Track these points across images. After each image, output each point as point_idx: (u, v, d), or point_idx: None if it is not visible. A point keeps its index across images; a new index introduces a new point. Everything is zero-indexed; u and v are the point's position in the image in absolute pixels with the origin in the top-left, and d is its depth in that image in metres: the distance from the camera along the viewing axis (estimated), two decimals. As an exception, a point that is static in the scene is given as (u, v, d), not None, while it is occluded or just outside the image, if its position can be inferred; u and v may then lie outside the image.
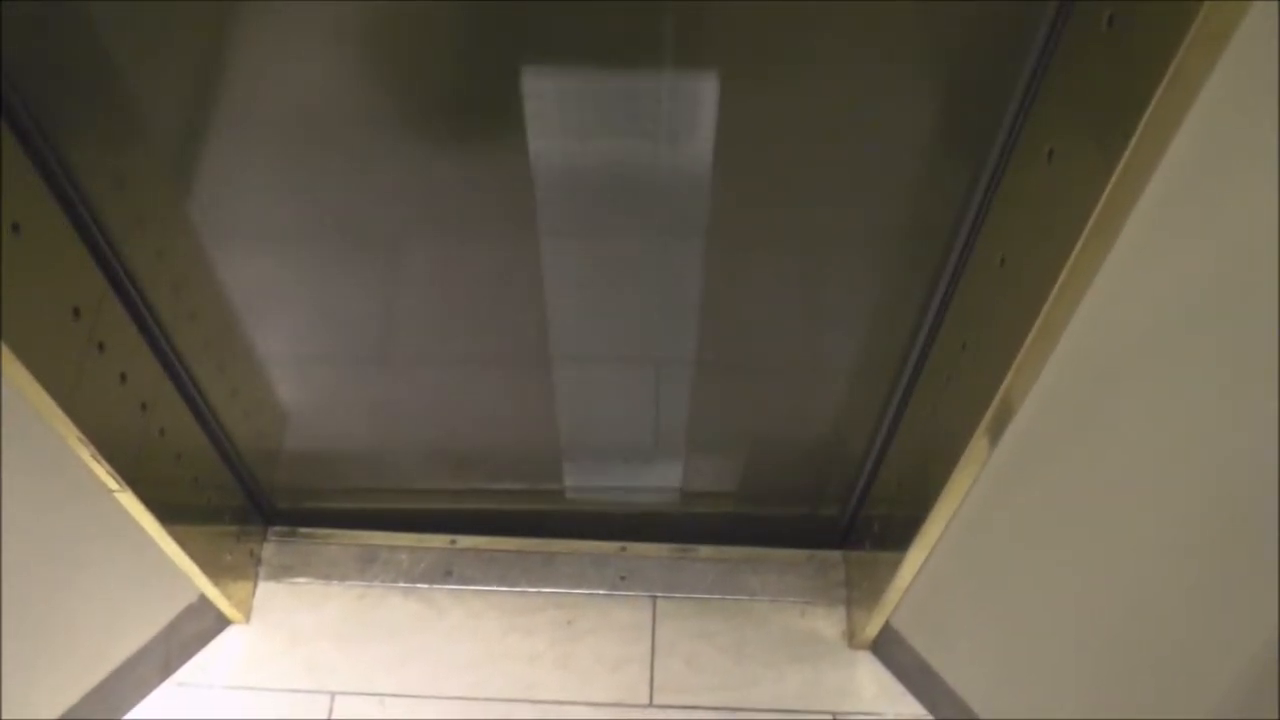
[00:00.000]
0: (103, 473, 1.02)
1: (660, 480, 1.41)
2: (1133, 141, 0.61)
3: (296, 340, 1.16)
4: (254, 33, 0.79)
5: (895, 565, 1.16)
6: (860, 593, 1.40)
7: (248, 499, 1.44)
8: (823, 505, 1.43)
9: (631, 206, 0.95)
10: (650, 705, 1.38)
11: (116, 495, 1.07)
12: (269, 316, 1.12)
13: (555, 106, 0.84)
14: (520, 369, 1.19)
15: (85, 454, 0.99)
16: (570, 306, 1.08)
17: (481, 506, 1.50)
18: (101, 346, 0.99)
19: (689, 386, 1.21)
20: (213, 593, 1.33)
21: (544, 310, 1.08)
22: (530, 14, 0.76)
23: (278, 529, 1.52)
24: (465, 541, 1.51)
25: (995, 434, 0.90)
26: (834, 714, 1.38)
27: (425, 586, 1.48)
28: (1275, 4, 0.55)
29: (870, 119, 0.84)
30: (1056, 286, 0.72)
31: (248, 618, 1.44)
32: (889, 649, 1.40)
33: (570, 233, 0.99)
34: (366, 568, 1.49)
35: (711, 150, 0.88)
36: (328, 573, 1.48)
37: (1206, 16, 0.55)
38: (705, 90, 0.82)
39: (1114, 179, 0.64)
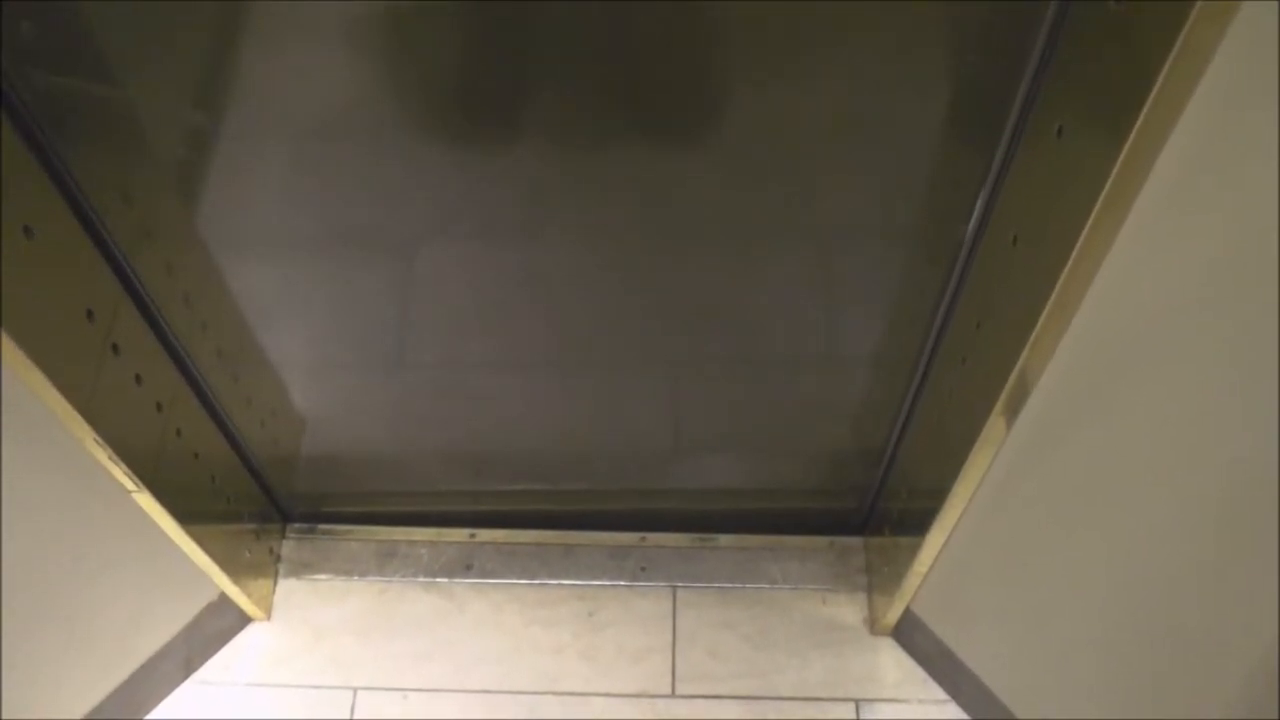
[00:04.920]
0: (120, 474, 1.03)
1: (679, 473, 1.41)
2: (1141, 116, 0.60)
3: (310, 348, 1.16)
4: (261, 40, 0.79)
5: (914, 550, 1.16)
6: (881, 578, 1.39)
7: (266, 497, 1.45)
8: (843, 492, 1.43)
9: (644, 203, 0.95)
10: (673, 695, 1.38)
11: (134, 496, 1.07)
12: (281, 325, 1.12)
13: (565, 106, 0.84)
14: (536, 369, 1.19)
15: (102, 455, 0.99)
16: (584, 306, 1.08)
17: (500, 508, 1.50)
18: (116, 348, 0.99)
19: (706, 381, 1.21)
20: (233, 591, 1.33)
21: (558, 310, 1.08)
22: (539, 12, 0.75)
23: (297, 526, 1.52)
24: (485, 535, 1.51)
25: (1012, 413, 0.89)
26: (857, 701, 1.37)
27: (446, 580, 1.48)
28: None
29: (880, 104, 0.83)
30: (1069, 263, 0.71)
31: (269, 615, 1.44)
32: (911, 635, 1.39)
33: (583, 232, 0.99)
34: (386, 563, 1.49)
35: (722, 144, 0.87)
36: (348, 568, 1.49)
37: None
38: (716, 84, 0.82)
39: (1123, 154, 0.63)
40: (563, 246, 1.00)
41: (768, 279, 1.04)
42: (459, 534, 1.51)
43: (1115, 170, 0.64)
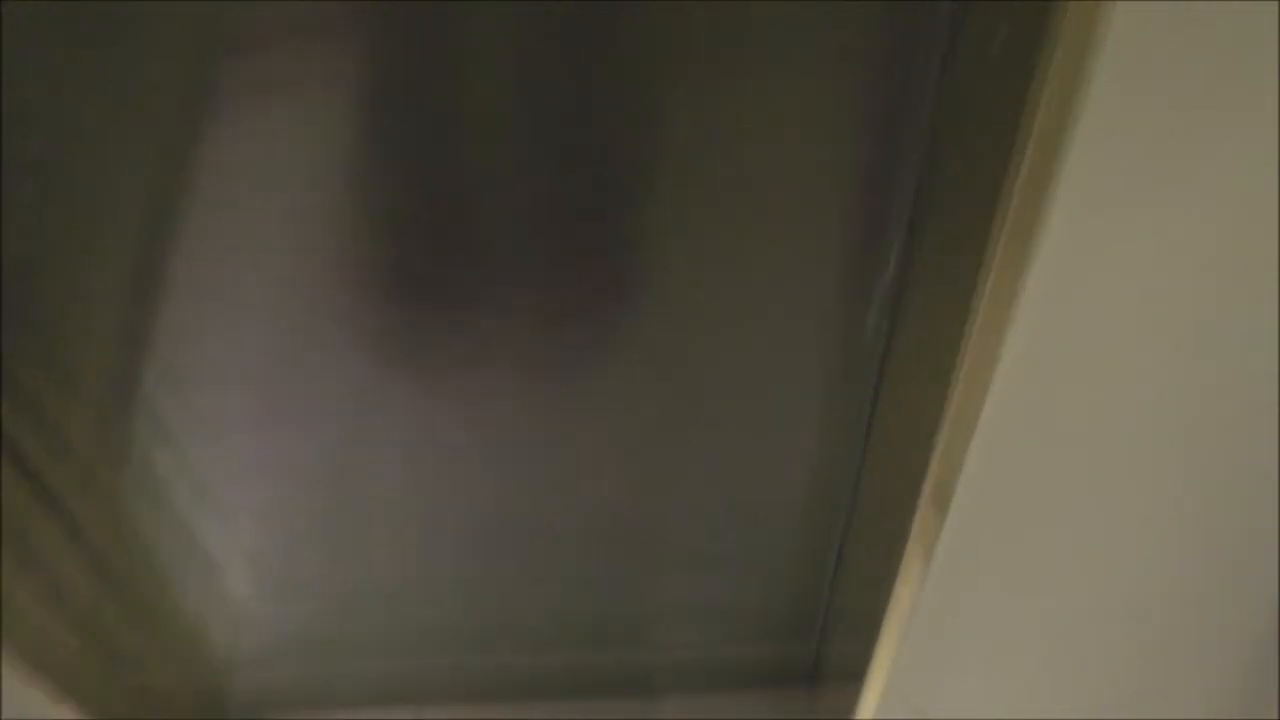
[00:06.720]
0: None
1: (617, 637, 1.38)
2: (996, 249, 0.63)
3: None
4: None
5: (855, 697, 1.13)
6: (832, 732, 1.36)
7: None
8: (788, 640, 1.40)
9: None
10: None
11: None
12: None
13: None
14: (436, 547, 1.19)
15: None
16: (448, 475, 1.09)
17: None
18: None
19: (625, 545, 1.21)
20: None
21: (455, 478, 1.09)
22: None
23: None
24: (431, 713, 1.46)
25: (928, 545, 0.89)
26: None
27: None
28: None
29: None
30: (960, 372, 0.72)
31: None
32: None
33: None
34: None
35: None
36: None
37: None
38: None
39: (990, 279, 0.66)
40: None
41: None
42: (404, 712, 1.46)
43: (988, 284, 0.67)
